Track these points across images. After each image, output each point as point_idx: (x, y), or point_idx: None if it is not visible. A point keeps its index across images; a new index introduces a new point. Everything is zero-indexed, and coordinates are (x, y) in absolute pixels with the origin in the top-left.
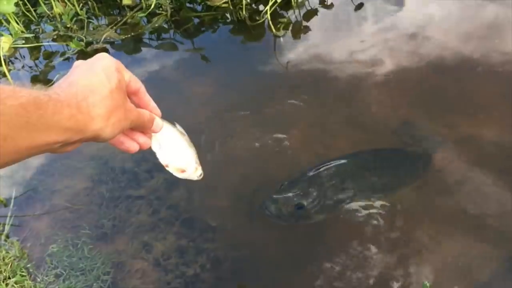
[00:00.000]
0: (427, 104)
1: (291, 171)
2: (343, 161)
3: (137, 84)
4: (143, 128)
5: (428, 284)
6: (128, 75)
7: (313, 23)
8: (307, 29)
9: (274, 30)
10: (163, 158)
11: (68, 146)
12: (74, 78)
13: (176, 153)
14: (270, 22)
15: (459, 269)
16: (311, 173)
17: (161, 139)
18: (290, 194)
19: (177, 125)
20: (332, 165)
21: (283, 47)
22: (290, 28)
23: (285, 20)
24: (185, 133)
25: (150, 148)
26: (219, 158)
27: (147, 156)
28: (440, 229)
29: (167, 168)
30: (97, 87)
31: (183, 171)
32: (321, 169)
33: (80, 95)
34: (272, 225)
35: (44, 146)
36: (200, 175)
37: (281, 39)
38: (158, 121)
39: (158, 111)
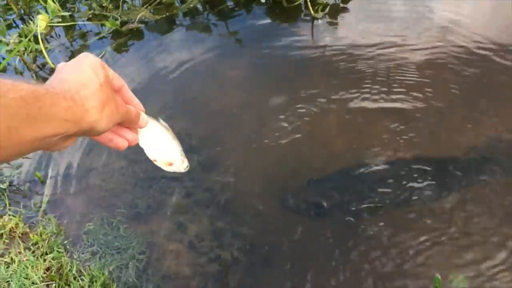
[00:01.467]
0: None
1: (325, 158)
2: (379, 167)
3: (119, 81)
4: (131, 123)
5: (439, 277)
6: (111, 73)
7: (352, 5)
8: (345, 11)
9: (312, 11)
10: (150, 154)
11: (65, 141)
12: (64, 76)
13: (162, 147)
14: (309, 3)
15: None
16: (342, 174)
17: (147, 135)
18: (312, 192)
19: (161, 120)
20: (366, 170)
21: (321, 29)
22: (328, 10)
23: (323, 1)
24: (168, 127)
25: (137, 145)
26: (253, 141)
27: (182, 137)
28: None
29: (155, 163)
30: (87, 81)
31: (170, 164)
32: (352, 173)
33: (73, 89)
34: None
35: (45, 138)
36: (187, 167)
37: (319, 21)
38: (144, 117)
39: (142, 107)
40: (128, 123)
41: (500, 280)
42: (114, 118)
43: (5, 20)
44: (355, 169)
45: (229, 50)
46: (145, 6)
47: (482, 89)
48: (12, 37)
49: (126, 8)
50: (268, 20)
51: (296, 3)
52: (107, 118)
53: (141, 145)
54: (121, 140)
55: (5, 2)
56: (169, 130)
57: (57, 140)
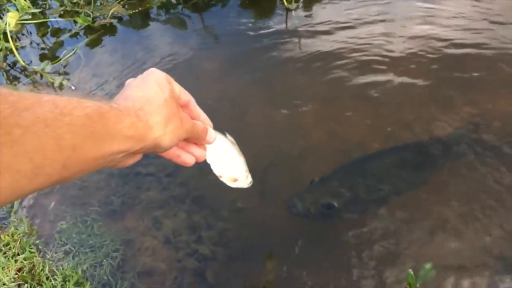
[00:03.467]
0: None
1: (304, 148)
2: (376, 158)
3: (186, 96)
4: (198, 139)
5: (412, 272)
6: (178, 88)
7: None
8: (319, 1)
9: (285, 3)
10: (217, 169)
11: (129, 158)
12: (129, 93)
13: (229, 163)
14: None
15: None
16: (343, 171)
17: (214, 150)
18: (320, 193)
19: (228, 135)
20: (364, 163)
21: (295, 20)
22: (301, 1)
23: None
24: (235, 142)
25: (204, 161)
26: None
27: None
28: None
29: (220, 179)
30: (152, 97)
31: (235, 180)
32: (354, 167)
33: (137, 105)
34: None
35: (109, 155)
36: (250, 182)
37: (293, 12)
38: (212, 132)
39: (210, 122)
40: (195, 138)
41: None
42: (179, 134)
43: None
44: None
45: (204, 44)
46: (117, 1)
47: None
48: None
49: (99, 4)
50: (243, 12)
51: None
52: (171, 133)
53: (208, 161)
54: (188, 156)
55: None
56: (235, 145)
57: (121, 158)
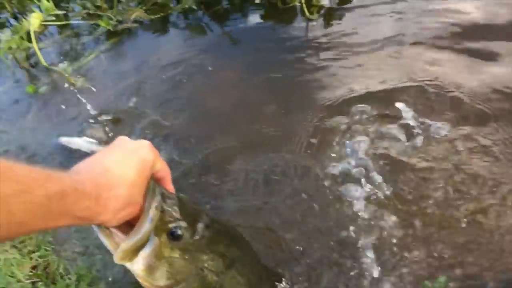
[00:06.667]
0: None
1: (324, 168)
2: None
3: (165, 172)
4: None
5: (429, 285)
6: (159, 165)
7: (348, 7)
8: (341, 12)
9: (307, 13)
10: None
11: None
12: (111, 164)
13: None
14: (304, 5)
15: None
16: None
17: None
18: None
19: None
20: None
21: (316, 31)
22: (323, 12)
23: (318, 3)
24: None
25: None
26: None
27: (176, 136)
28: None
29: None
30: (124, 180)
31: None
32: None
33: (106, 187)
34: None
35: (48, 229)
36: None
37: (314, 22)
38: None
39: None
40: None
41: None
42: (124, 219)
43: None
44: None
45: (223, 51)
46: (140, 6)
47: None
48: (5, 34)
49: (121, 8)
50: (263, 22)
51: (291, 5)
52: (119, 219)
53: None
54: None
55: None
56: None
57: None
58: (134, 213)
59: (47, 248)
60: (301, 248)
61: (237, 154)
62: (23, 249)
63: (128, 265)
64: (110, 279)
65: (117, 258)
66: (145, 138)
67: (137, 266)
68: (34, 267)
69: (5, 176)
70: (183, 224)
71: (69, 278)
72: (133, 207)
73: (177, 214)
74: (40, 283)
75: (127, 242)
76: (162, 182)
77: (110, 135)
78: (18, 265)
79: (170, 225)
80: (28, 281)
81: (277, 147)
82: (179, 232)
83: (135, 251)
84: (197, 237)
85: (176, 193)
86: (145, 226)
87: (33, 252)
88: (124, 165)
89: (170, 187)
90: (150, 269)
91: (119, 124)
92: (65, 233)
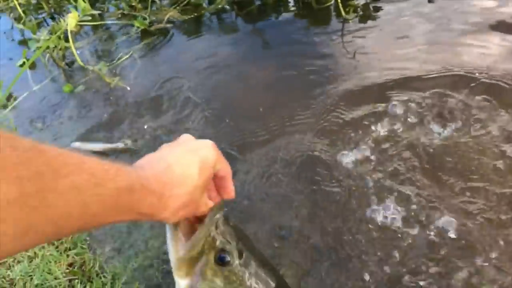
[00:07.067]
0: None
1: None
2: None
3: (225, 171)
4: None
5: None
6: (220, 165)
7: (384, 5)
8: (377, 12)
9: (343, 13)
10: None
11: None
12: (173, 161)
13: None
14: (340, 4)
15: None
16: None
17: None
18: None
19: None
20: None
21: (351, 31)
22: (359, 11)
23: (354, 2)
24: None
25: None
26: (275, 145)
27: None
28: None
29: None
30: (186, 180)
31: None
32: None
33: (168, 185)
34: None
35: (111, 223)
36: None
37: (350, 22)
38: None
39: (233, 195)
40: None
41: None
42: (186, 216)
43: (36, 18)
44: None
45: (256, 52)
46: (173, 6)
47: None
48: (43, 34)
49: (155, 8)
50: (297, 21)
51: (326, 5)
52: (177, 217)
53: None
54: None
55: (36, 0)
56: None
57: None
58: (193, 212)
59: (83, 246)
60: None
61: (268, 155)
62: (59, 246)
63: (178, 279)
64: (146, 279)
65: (174, 268)
66: (174, 138)
67: (184, 282)
68: (70, 265)
69: (80, 169)
70: (234, 251)
71: (105, 277)
72: (192, 206)
73: (231, 240)
74: (76, 280)
75: (182, 248)
76: (223, 181)
77: (144, 134)
78: (55, 262)
79: (221, 247)
80: (65, 278)
81: (308, 148)
82: (228, 258)
83: (189, 265)
84: (242, 268)
85: (233, 221)
86: (199, 239)
87: (70, 249)
88: (186, 164)
89: (230, 186)
90: (194, 285)
91: (152, 122)
92: (100, 231)
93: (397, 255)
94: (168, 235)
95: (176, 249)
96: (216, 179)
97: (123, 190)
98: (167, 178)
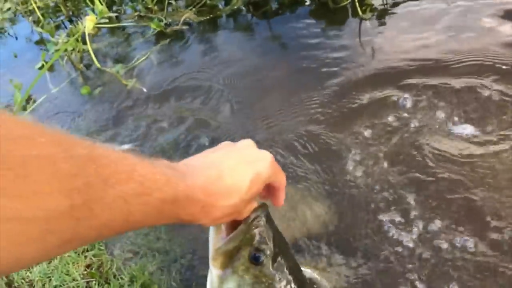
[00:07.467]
0: None
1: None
2: None
3: (279, 184)
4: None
5: None
6: (275, 178)
7: (401, 5)
8: (395, 11)
9: (360, 12)
10: None
11: None
12: (226, 170)
13: None
14: (357, 4)
15: None
16: None
17: None
18: None
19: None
20: None
21: (369, 30)
22: (376, 10)
23: (371, 2)
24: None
25: None
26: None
27: (226, 138)
28: None
29: None
30: (234, 192)
31: None
32: None
33: (215, 196)
34: None
35: (148, 226)
36: None
37: (367, 22)
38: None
39: (280, 204)
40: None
41: None
42: (225, 222)
43: (54, 21)
44: None
45: (272, 52)
46: (189, 8)
47: None
48: (61, 37)
49: (171, 10)
50: (314, 22)
51: (343, 4)
52: (214, 224)
53: None
54: None
55: (54, 3)
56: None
57: None
58: (235, 218)
59: (101, 247)
60: None
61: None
62: (77, 248)
63: (212, 268)
64: (164, 282)
65: (210, 257)
66: (193, 138)
67: (216, 272)
68: (88, 266)
69: (129, 178)
70: (269, 252)
71: (122, 278)
72: (235, 215)
73: (269, 241)
74: (94, 282)
75: (220, 240)
76: (275, 191)
77: (161, 135)
78: (73, 264)
79: (257, 246)
80: (83, 280)
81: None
82: (262, 258)
83: (225, 257)
84: (273, 271)
85: (275, 224)
86: (238, 235)
87: (87, 250)
88: (238, 175)
89: (282, 197)
90: (225, 277)
91: (169, 123)
92: None
93: (400, 250)
94: (212, 231)
95: (215, 241)
96: (269, 186)
97: (168, 200)
98: (216, 188)
